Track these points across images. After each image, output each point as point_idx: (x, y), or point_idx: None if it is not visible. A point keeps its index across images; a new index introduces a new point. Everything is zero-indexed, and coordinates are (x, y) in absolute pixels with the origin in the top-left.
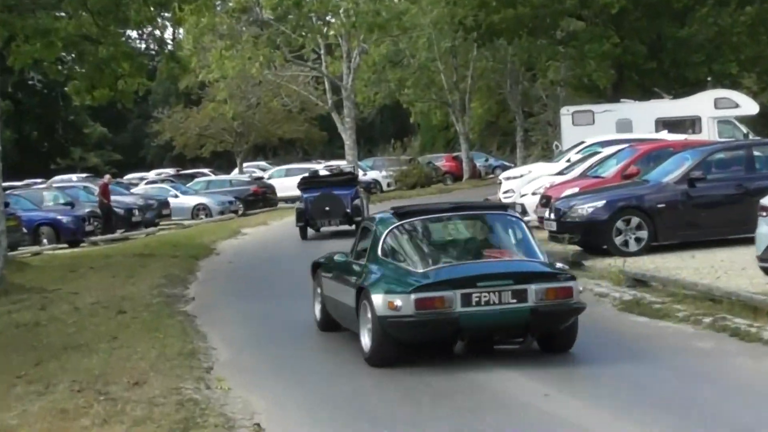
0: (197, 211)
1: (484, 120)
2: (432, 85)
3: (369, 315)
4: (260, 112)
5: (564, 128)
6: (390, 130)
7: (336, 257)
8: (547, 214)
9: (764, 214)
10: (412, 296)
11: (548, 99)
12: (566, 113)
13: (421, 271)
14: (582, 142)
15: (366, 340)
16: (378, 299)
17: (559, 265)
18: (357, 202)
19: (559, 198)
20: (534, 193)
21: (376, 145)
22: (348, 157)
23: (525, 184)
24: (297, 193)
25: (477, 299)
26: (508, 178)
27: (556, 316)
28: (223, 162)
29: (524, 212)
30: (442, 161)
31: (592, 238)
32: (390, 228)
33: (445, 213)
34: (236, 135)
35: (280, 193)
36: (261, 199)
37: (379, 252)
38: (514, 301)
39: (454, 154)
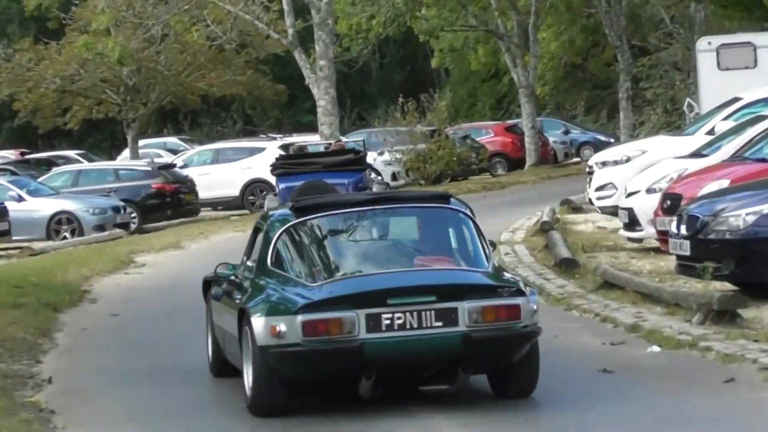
0: (57, 224)
1: (561, 63)
2: (469, 2)
3: (250, 345)
4: (168, 52)
5: (703, 75)
6: (397, 82)
7: (219, 269)
8: (674, 227)
9: None
10: (299, 318)
11: (674, 24)
12: (707, 48)
13: (317, 284)
14: (735, 100)
15: (249, 380)
16: (258, 323)
17: (507, 275)
18: None
19: (696, 199)
20: (651, 191)
21: (373, 107)
22: (323, 128)
23: (635, 174)
24: (233, 192)
25: (388, 322)
26: (604, 164)
27: (498, 344)
28: (104, 138)
29: (633, 223)
30: (488, 135)
31: (755, 268)
32: (284, 228)
33: (361, 207)
34: (126, 91)
35: (204, 193)
36: (170, 202)
37: (269, 261)
38: (439, 324)
39: (510, 122)
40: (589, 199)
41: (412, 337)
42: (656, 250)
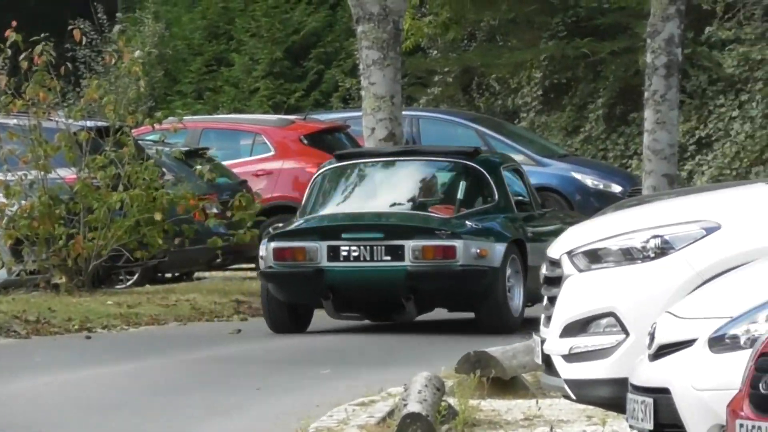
0: None
1: None
2: None
3: None
4: None
5: None
6: None
7: None
8: None
9: None
10: (272, 244)
11: None
12: None
13: (300, 219)
14: None
15: None
16: (259, 249)
17: (469, 223)
18: None
19: None
20: (724, 343)
21: None
22: None
23: (678, 291)
24: None
25: (345, 253)
26: (593, 258)
27: (436, 280)
28: None
29: None
30: (262, 153)
31: None
32: (320, 171)
33: (389, 158)
34: None
35: None
36: None
37: (305, 197)
38: (388, 258)
39: (320, 120)
40: (545, 358)
41: (364, 268)
42: None
